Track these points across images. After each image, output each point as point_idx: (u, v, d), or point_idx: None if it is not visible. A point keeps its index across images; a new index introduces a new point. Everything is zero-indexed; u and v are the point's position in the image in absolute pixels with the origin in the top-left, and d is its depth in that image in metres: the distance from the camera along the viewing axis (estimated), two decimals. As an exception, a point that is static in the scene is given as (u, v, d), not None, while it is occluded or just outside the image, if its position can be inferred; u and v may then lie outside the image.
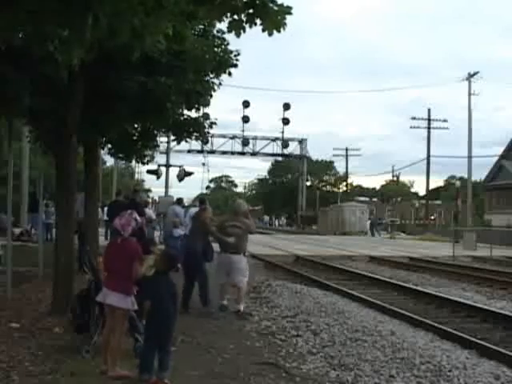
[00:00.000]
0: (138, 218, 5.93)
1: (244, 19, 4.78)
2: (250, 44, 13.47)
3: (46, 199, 18.22)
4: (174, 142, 28.75)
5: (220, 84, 11.76)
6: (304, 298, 11.20)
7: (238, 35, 5.02)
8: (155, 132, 15.08)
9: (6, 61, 7.10)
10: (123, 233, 5.76)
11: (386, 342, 7.54)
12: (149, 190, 65.80)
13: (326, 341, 7.75)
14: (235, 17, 4.86)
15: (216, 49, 10.75)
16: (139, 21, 4.64)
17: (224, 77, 11.58)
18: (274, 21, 4.76)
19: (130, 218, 5.79)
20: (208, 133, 15.26)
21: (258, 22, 4.79)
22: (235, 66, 11.13)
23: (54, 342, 6.88)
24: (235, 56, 11.09)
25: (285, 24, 4.89)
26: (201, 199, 12.50)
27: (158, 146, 18.40)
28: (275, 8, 4.75)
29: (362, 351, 7.16)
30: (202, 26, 10.23)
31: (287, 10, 4.87)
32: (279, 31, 4.89)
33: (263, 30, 4.82)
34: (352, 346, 7.45)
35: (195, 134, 14.69)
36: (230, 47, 11.07)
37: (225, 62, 10.93)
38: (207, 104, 12.04)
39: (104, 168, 39.07)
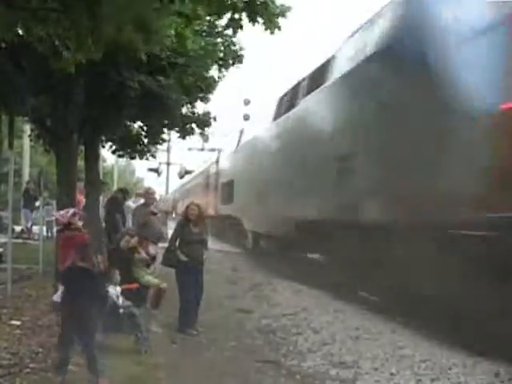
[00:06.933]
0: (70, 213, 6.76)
1: (246, 18, 4.84)
2: (250, 43, 13.47)
3: (47, 197, 18.17)
4: (174, 140, 28.69)
5: (219, 78, 11.74)
6: (304, 295, 11.18)
7: (235, 33, 5.10)
8: (158, 129, 15.10)
9: (7, 59, 7.10)
10: (57, 226, 6.46)
11: (386, 340, 7.54)
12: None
13: (327, 339, 7.76)
14: (235, 16, 4.91)
15: (219, 44, 10.72)
16: (142, 17, 4.65)
17: (225, 74, 11.59)
18: (275, 20, 4.83)
19: (61, 215, 6.69)
20: (212, 121, 15.23)
21: (261, 20, 4.84)
22: (240, 60, 11.11)
23: (54, 339, 6.86)
24: (239, 50, 11.08)
25: (284, 23, 4.95)
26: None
27: (165, 141, 18.69)
28: (276, 8, 4.82)
29: (362, 349, 7.17)
30: (205, 28, 10.24)
31: (287, 9, 4.94)
32: (280, 29, 4.95)
33: (265, 29, 4.87)
34: (352, 343, 7.46)
35: (199, 129, 14.69)
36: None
37: (228, 55, 10.92)
38: (208, 100, 12.05)
39: (104, 166, 39.01)
